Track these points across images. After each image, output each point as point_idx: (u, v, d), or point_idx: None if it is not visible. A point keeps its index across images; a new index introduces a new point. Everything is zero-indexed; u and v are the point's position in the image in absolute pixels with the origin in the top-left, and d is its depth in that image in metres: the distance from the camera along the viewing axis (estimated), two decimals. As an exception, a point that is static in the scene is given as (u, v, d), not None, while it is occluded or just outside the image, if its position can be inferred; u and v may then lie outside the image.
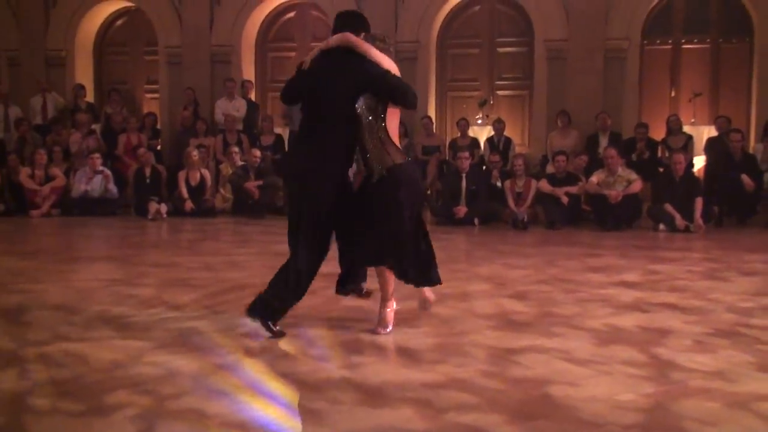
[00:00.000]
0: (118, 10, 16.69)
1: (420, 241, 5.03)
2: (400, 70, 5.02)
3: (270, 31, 16.10)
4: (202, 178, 12.52)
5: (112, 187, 12.57)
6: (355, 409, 3.68)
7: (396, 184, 4.82)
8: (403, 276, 5.04)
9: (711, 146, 12.37)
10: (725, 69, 14.07)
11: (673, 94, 14.17)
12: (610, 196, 10.83)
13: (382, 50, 4.94)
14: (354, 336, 4.98)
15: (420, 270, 5.04)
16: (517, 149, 13.64)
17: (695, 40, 14.21)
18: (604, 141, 12.71)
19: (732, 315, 5.60)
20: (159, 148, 14.74)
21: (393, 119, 4.90)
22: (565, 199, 11.15)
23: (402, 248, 4.93)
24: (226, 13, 15.56)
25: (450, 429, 3.42)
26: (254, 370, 4.25)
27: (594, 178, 11.19)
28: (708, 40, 14.15)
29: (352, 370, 4.25)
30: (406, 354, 4.59)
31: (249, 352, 4.59)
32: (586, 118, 13.23)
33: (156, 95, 16.35)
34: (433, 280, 5.14)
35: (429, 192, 13.23)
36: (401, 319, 5.36)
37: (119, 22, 16.86)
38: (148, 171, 12.67)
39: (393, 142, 4.88)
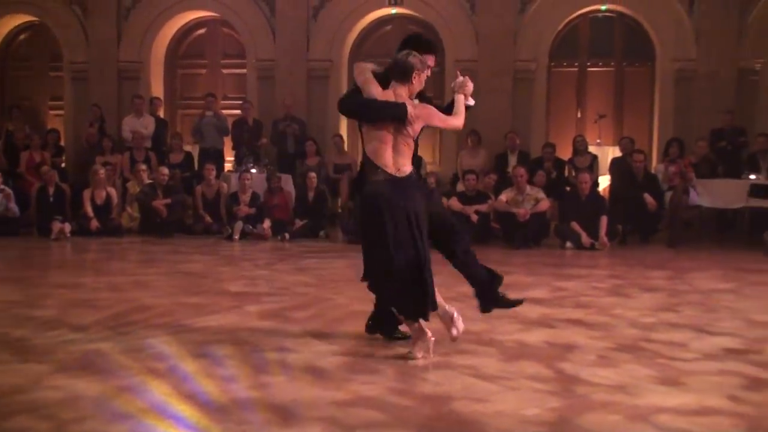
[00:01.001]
0: (20, 25, 16.26)
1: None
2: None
3: (180, 48, 15.91)
4: (108, 196, 12.25)
5: (14, 206, 12.16)
6: (263, 429, 3.63)
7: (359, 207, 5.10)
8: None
9: (615, 166, 12.72)
10: (629, 92, 14.53)
11: (579, 115, 14.54)
12: (518, 214, 11.01)
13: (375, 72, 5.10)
14: (262, 355, 4.92)
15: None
16: (428, 168, 13.76)
17: (600, 64, 14.63)
18: (513, 160, 12.94)
19: (634, 330, 5.75)
20: (63, 165, 14.36)
21: (368, 141, 4.96)
22: (474, 217, 11.29)
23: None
24: (135, 29, 15.32)
25: (358, 447, 3.41)
26: (159, 391, 4.16)
27: (503, 197, 11.37)
28: (612, 63, 14.59)
29: (260, 390, 4.20)
30: (316, 372, 4.56)
31: (154, 374, 4.49)
32: (495, 137, 13.45)
33: (61, 112, 15.96)
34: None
35: (341, 210, 13.25)
36: (312, 336, 5.34)
37: (22, 37, 16.43)
38: (51, 189, 12.31)
39: (371, 163, 4.94)
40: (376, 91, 4.95)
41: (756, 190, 11.34)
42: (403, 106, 4.86)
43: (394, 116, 4.86)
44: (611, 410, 3.92)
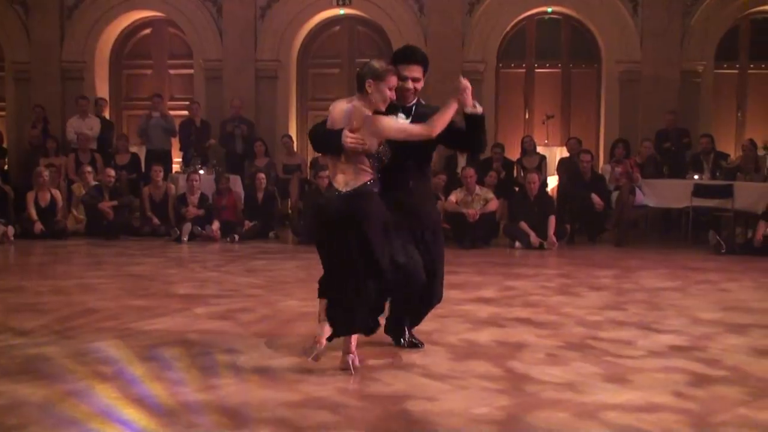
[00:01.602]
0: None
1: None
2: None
3: (125, 48, 15.69)
4: (53, 198, 12.03)
5: (-45, 209, 11.90)
6: (211, 432, 3.60)
7: None
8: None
9: (563, 166, 12.87)
10: (575, 93, 14.70)
11: (527, 115, 14.68)
12: (468, 214, 11.06)
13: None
14: (212, 358, 4.88)
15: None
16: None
17: (547, 65, 14.78)
18: (462, 161, 12.99)
19: (582, 328, 5.81)
20: (6, 167, 14.08)
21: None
22: (424, 218, 11.30)
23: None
24: (78, 28, 15.07)
25: (308, 449, 3.39)
26: (106, 396, 4.09)
27: (452, 197, 11.41)
28: (559, 65, 14.75)
29: (209, 393, 4.16)
30: (266, 374, 4.53)
31: (101, 378, 4.42)
32: (444, 138, 13.47)
33: (2, 113, 15.62)
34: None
35: (291, 212, 13.19)
36: (262, 338, 5.31)
37: (-38, 37, 16.08)
38: (-6, 192, 12.06)
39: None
40: (331, 117, 4.68)
41: (699, 190, 11.55)
42: (337, 135, 4.52)
43: (329, 148, 4.67)
44: (559, 408, 3.96)
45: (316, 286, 4.74)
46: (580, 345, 5.30)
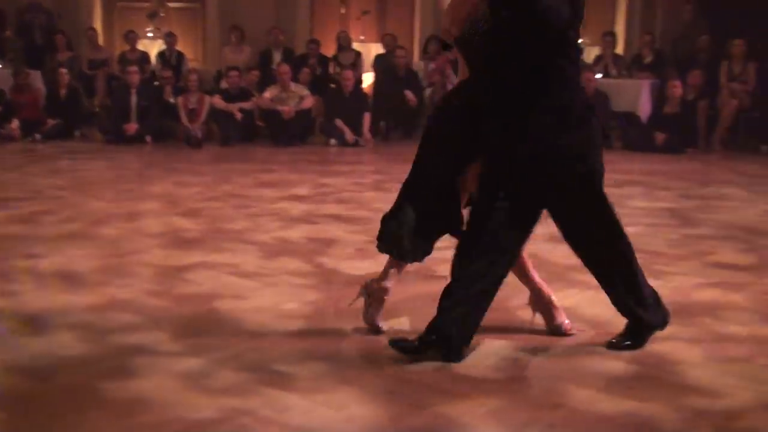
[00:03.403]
0: None
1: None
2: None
3: None
4: None
5: None
6: (9, 339, 3.46)
7: None
8: None
9: (378, 63, 12.88)
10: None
11: (343, 11, 14.51)
12: (283, 111, 10.96)
13: None
14: (10, 263, 4.65)
15: None
16: (191, 64, 13.31)
17: (363, -41, 14.62)
18: (277, 57, 12.77)
19: (392, 222, 5.93)
20: None
21: None
22: (238, 115, 11.11)
23: None
24: None
25: (112, 350, 3.33)
26: None
27: (267, 94, 11.25)
28: (374, -41, 14.62)
29: (7, 299, 3.99)
30: (68, 278, 4.37)
31: None
32: (258, 33, 13.19)
33: None
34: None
35: (98, 109, 12.58)
36: (65, 241, 5.11)
37: None
38: None
39: None
40: None
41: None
42: None
43: None
44: (367, 300, 4.05)
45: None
46: (389, 239, 5.41)
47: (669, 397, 2.95)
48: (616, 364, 3.27)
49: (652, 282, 4.29)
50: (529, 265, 3.72)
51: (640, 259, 4.12)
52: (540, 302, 3.70)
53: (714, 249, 5.25)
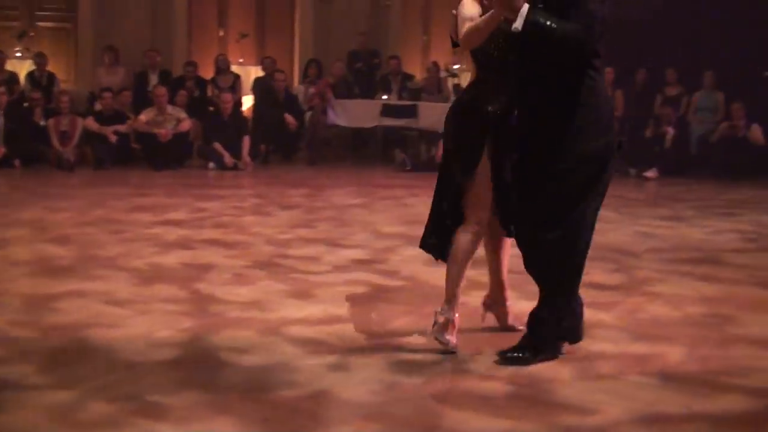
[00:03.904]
0: None
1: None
2: None
3: None
4: None
5: None
6: None
7: None
8: None
9: (257, 86, 12.80)
10: (270, 11, 14.58)
11: (221, 33, 14.37)
12: (159, 134, 10.75)
13: None
14: None
15: None
16: (62, 85, 12.90)
17: (241, -19, 14.54)
18: (153, 79, 12.53)
19: (271, 247, 5.89)
20: None
21: None
22: (113, 138, 10.83)
23: None
24: None
25: (-28, 387, 3.17)
26: None
27: (143, 117, 11.01)
28: (253, -19, 14.54)
29: None
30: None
31: None
32: (134, 54, 12.91)
33: None
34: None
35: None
36: None
37: None
38: None
39: None
40: None
41: (388, 110, 12.02)
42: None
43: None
44: (244, 326, 4.01)
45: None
46: (267, 263, 5.37)
47: (541, 416, 3.01)
48: (490, 384, 3.32)
49: (526, 304, 4.40)
50: (506, 265, 3.94)
51: (515, 279, 4.23)
52: (497, 304, 3.96)
53: (585, 269, 5.40)
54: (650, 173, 10.80)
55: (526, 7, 3.25)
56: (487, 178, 3.67)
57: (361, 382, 3.29)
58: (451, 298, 3.71)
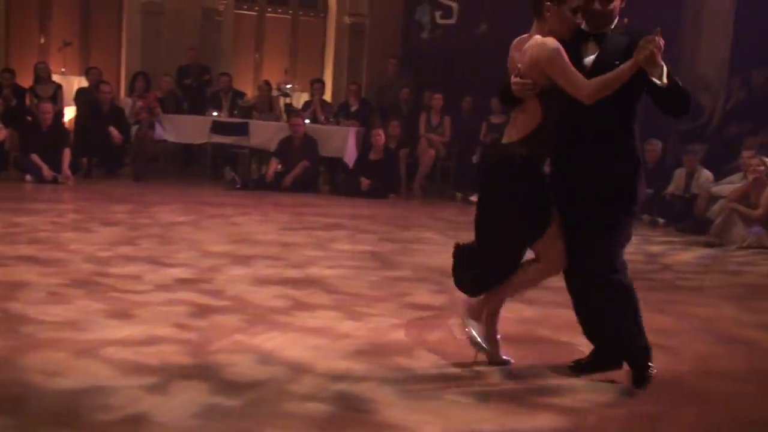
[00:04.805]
0: None
1: None
2: None
3: None
4: None
5: None
6: None
7: None
8: None
9: (81, 97, 12.32)
10: (96, 20, 14.07)
11: (42, 40, 13.74)
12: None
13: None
14: None
15: None
16: None
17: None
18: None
19: (90, 265, 5.64)
20: None
21: None
22: None
23: None
24: None
25: None
26: None
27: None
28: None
29: None
30: None
31: None
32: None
33: None
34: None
35: None
36: None
37: None
38: None
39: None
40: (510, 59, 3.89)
41: (218, 127, 11.85)
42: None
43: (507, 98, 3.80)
44: (58, 347, 3.80)
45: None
46: (86, 282, 5.14)
47: (363, 436, 3.01)
48: (313, 405, 3.29)
49: (352, 324, 4.43)
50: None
51: (341, 301, 4.23)
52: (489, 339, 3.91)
53: (410, 290, 5.50)
54: (475, 197, 11.09)
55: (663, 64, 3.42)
56: (558, 231, 3.71)
57: (180, 405, 3.19)
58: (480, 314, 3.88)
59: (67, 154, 10.60)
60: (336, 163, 11.88)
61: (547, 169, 3.80)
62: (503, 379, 3.77)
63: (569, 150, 3.69)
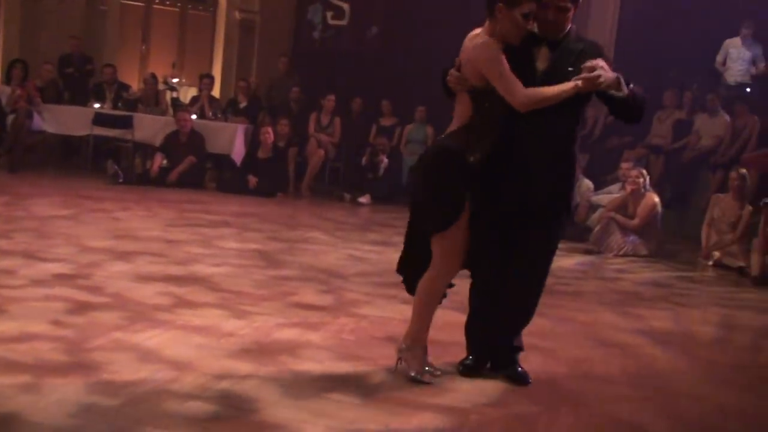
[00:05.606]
0: None
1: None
2: None
3: None
4: None
5: None
6: None
7: None
8: None
9: (-47, 83, 11.77)
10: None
11: None
12: None
13: None
14: None
15: None
16: None
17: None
18: None
19: (-40, 257, 5.38)
20: None
21: None
22: None
23: None
24: None
25: None
26: None
27: None
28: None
29: None
30: None
31: None
32: None
33: None
34: None
35: None
36: None
37: None
38: None
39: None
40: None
41: (100, 119, 11.50)
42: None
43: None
44: None
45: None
46: (-46, 276, 4.90)
47: (246, 436, 2.97)
48: (195, 404, 3.22)
49: (236, 323, 4.37)
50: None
51: (226, 299, 4.16)
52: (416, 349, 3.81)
53: (296, 290, 5.46)
54: (363, 199, 11.16)
55: (616, 76, 3.54)
56: (466, 229, 3.67)
57: (56, 404, 3.07)
58: (416, 336, 3.79)
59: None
60: (223, 160, 11.70)
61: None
62: (387, 379, 3.78)
63: (515, 152, 3.71)
